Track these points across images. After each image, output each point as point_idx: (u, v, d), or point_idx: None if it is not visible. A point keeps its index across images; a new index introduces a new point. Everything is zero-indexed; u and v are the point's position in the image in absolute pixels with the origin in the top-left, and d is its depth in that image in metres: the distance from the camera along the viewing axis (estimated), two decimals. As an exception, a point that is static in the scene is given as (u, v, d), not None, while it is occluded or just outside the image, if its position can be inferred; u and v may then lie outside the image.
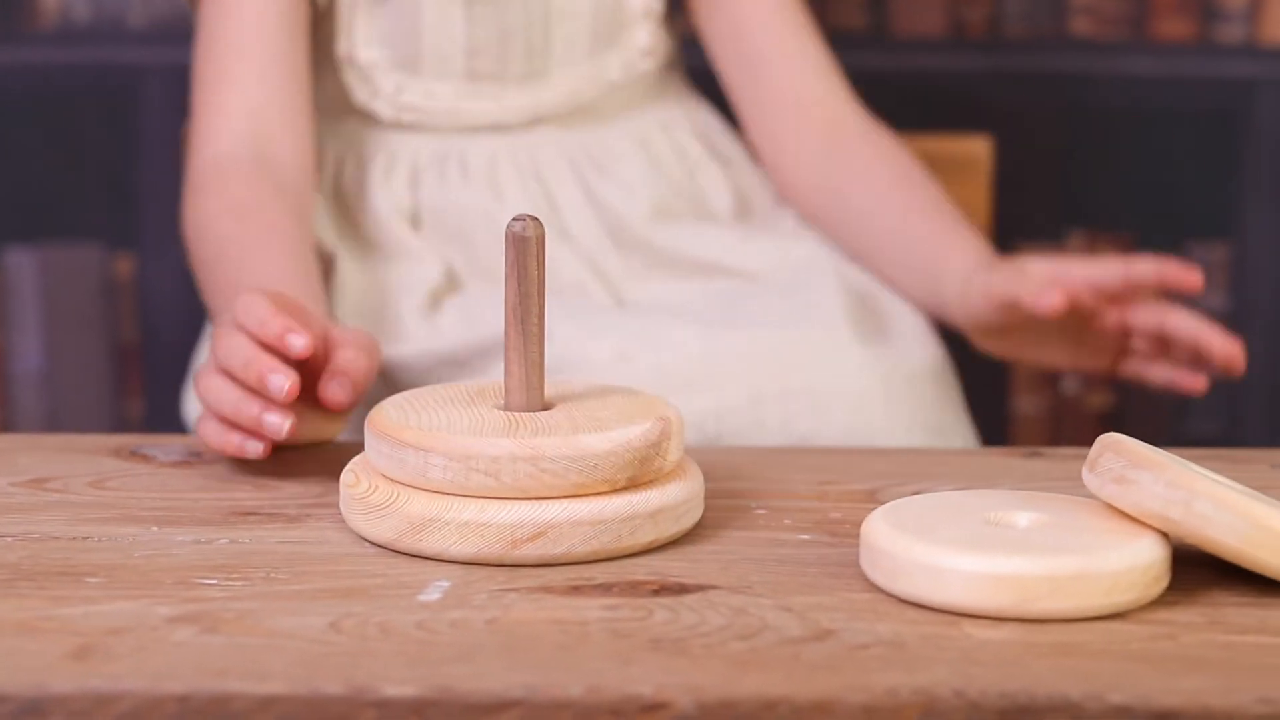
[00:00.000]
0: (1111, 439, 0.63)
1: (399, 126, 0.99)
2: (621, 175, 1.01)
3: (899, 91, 1.16)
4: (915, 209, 1.00)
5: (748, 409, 0.91)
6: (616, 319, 0.95)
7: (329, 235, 0.99)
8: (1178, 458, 0.64)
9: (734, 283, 0.98)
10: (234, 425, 0.72)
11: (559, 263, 0.97)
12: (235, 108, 0.94)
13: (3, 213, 1.49)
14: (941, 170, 1.19)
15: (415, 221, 0.99)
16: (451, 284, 0.98)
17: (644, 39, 1.02)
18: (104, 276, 1.50)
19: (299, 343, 0.71)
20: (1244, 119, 1.48)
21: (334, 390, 0.73)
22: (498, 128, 0.99)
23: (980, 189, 1.19)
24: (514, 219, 0.66)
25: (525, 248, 0.66)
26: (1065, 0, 1.47)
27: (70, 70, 1.47)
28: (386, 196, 0.99)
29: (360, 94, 0.98)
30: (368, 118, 0.99)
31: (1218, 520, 0.59)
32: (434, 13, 0.97)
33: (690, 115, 1.05)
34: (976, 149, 1.20)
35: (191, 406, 1.04)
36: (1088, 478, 0.62)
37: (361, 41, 0.97)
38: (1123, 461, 0.61)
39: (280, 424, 0.70)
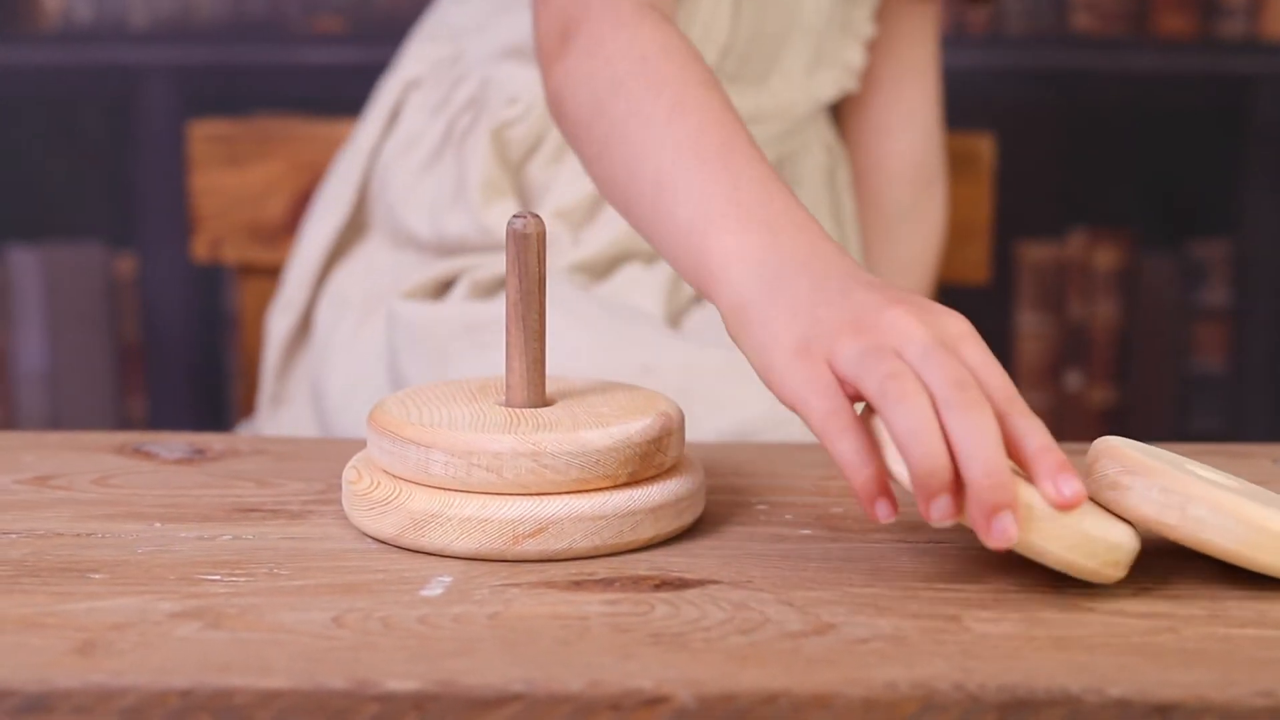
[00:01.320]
0: (1106, 444, 0.63)
1: None
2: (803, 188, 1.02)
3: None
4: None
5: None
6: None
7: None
8: (1176, 457, 0.64)
9: None
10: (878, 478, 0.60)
11: None
12: None
13: (5, 212, 1.49)
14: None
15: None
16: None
17: (857, 60, 1.04)
18: (106, 275, 1.50)
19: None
20: (1245, 115, 1.48)
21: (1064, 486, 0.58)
22: None
23: (982, 186, 1.20)
24: (515, 215, 0.66)
25: (526, 244, 0.66)
26: (1066, -3, 1.47)
27: (73, 70, 1.47)
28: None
29: None
30: None
31: (1214, 524, 0.59)
32: (709, 7, 0.97)
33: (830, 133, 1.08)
34: (978, 146, 1.20)
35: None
36: (1085, 483, 0.62)
37: None
38: (1117, 467, 0.61)
39: (1010, 533, 0.58)
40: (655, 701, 0.52)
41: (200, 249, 1.18)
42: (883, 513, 0.59)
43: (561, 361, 0.84)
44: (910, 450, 0.57)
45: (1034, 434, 0.59)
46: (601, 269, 1.00)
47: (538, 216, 0.66)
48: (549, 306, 0.88)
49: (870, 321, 0.61)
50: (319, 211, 1.07)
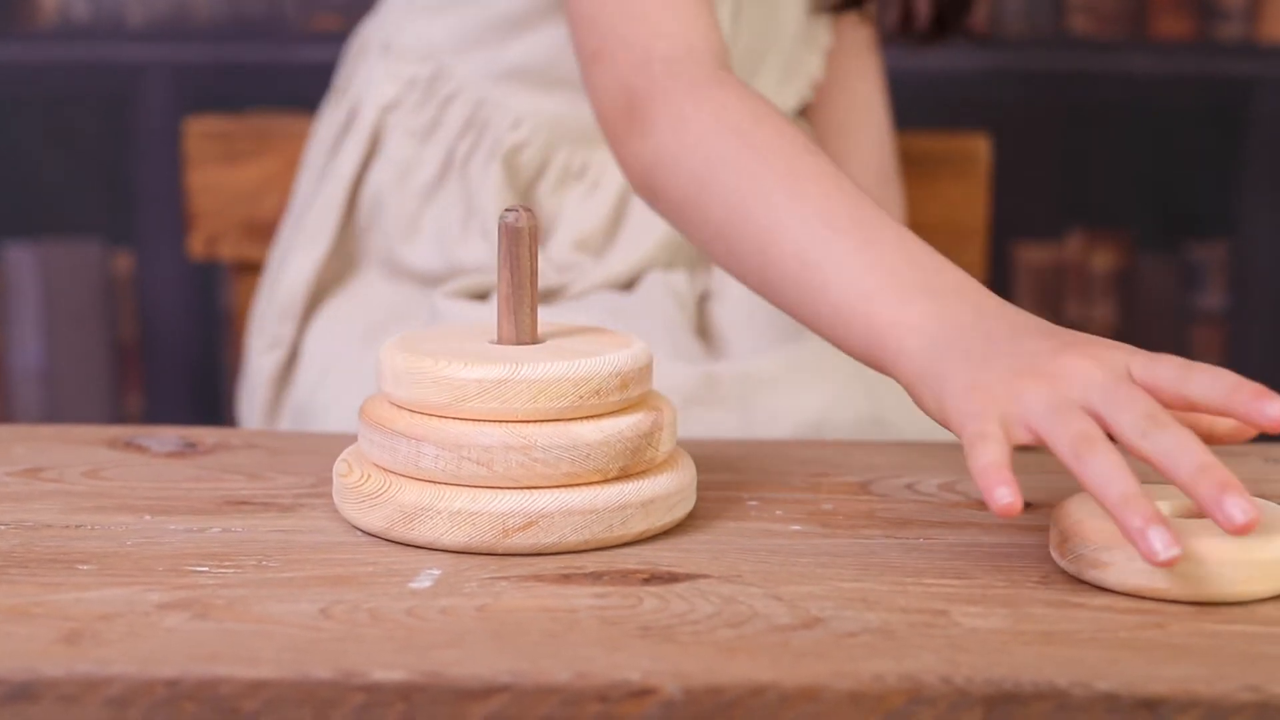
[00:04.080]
0: (1066, 522, 0.62)
1: None
2: None
3: (898, 90, 1.16)
4: None
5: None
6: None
7: None
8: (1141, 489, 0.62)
9: None
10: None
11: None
12: (685, 10, 0.79)
13: (2, 209, 1.49)
14: (940, 168, 1.19)
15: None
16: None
17: (818, 70, 1.04)
18: (103, 273, 1.50)
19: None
20: (1243, 117, 1.48)
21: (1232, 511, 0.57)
22: None
23: (979, 187, 1.20)
24: (506, 209, 0.66)
25: (518, 238, 0.66)
26: (1064, -2, 1.47)
27: (69, 68, 1.47)
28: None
29: None
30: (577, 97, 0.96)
31: (1208, 575, 0.59)
32: None
33: None
34: (975, 147, 1.20)
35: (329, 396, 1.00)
36: (1060, 561, 0.62)
37: None
38: (1091, 545, 0.61)
39: (1250, 511, 0.57)
40: (642, 693, 0.52)
41: (197, 246, 1.18)
42: (1002, 495, 0.58)
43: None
44: (1108, 496, 0.58)
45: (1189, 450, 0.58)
46: (624, 283, 1.00)
47: (530, 211, 0.66)
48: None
49: (1048, 369, 0.62)
50: (298, 242, 1.03)
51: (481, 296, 0.98)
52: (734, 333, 0.98)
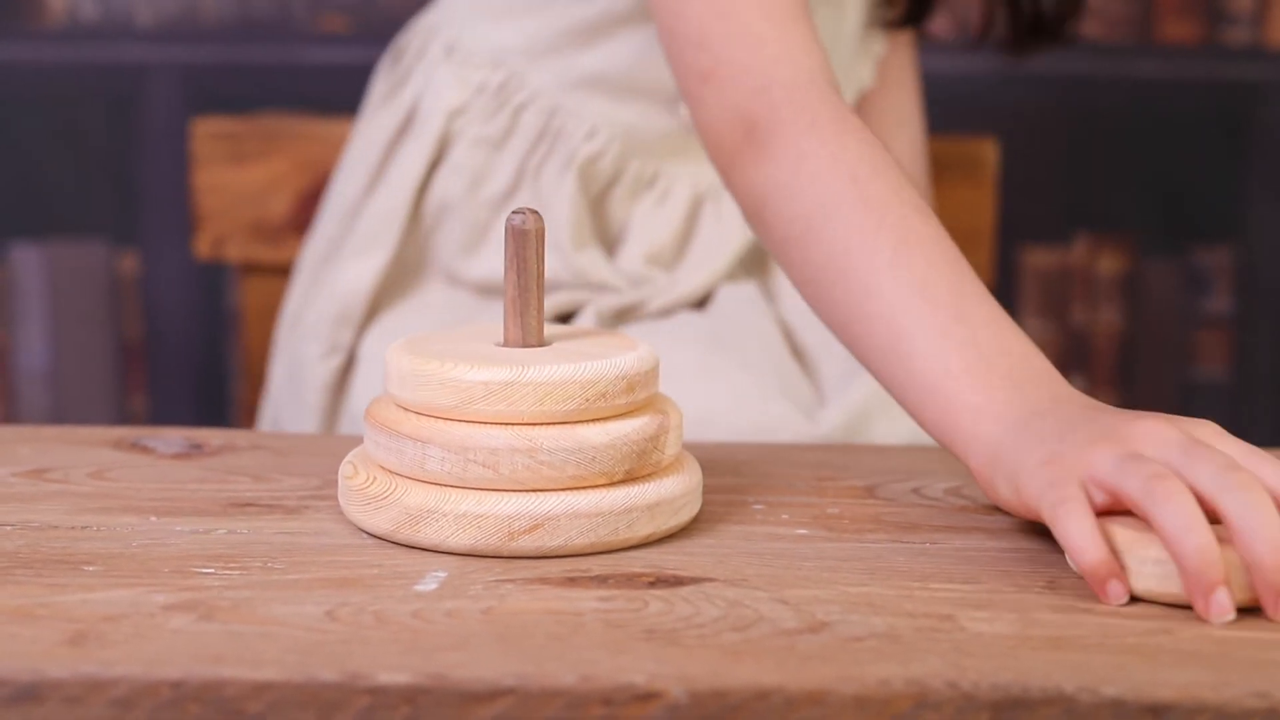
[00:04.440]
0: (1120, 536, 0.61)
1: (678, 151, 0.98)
2: None
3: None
4: None
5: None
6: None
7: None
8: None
9: None
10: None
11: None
12: (799, 36, 0.78)
13: (9, 209, 1.50)
14: (947, 172, 1.19)
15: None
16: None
17: (869, 79, 1.03)
18: (109, 273, 1.50)
19: None
20: (1249, 122, 1.48)
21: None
22: None
23: (986, 191, 1.19)
24: (514, 211, 0.66)
25: (524, 240, 0.66)
26: (1071, 2, 1.47)
27: (77, 68, 1.47)
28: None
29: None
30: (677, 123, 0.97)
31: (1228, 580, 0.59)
32: None
33: None
34: (982, 151, 1.20)
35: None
36: (1073, 565, 0.61)
37: None
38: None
39: (1228, 614, 0.58)
40: (647, 697, 0.52)
41: (203, 247, 1.18)
42: (1115, 593, 0.59)
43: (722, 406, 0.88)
44: (1183, 546, 0.57)
45: None
46: (699, 299, 1.00)
47: (536, 213, 0.66)
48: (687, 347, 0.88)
49: (1122, 434, 0.61)
50: (353, 245, 1.01)
51: (565, 318, 0.97)
52: (817, 345, 0.97)
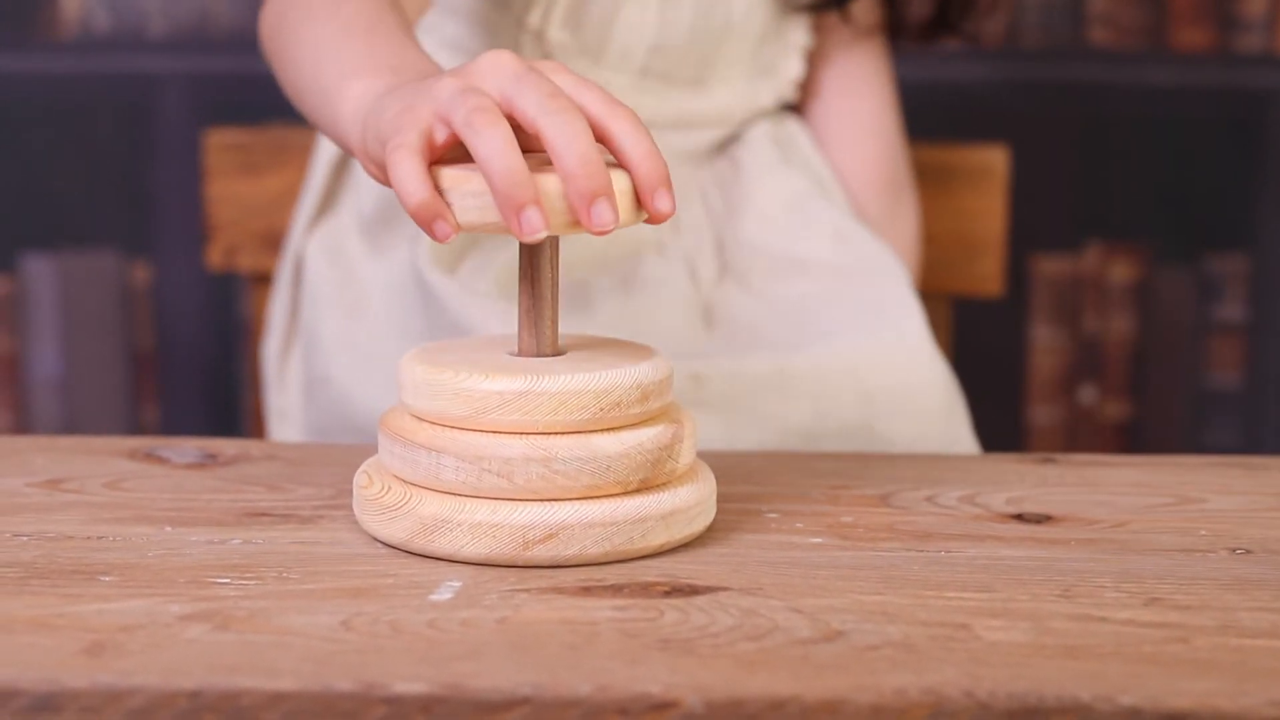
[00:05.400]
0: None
1: None
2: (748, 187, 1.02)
3: (916, 101, 1.16)
4: None
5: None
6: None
7: None
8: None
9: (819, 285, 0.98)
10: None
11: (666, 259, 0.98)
12: None
13: (21, 220, 1.50)
14: (958, 180, 1.19)
15: None
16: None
17: (796, 70, 1.05)
18: (121, 283, 1.51)
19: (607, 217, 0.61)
20: (1262, 129, 1.48)
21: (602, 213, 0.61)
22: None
23: (997, 199, 1.19)
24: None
25: (538, 250, 0.66)
26: (1083, 9, 1.47)
27: (89, 79, 1.48)
28: None
29: None
30: None
31: (556, 209, 0.61)
32: (633, 7, 0.98)
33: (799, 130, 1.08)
34: (993, 158, 1.20)
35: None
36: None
37: (558, 22, 0.97)
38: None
39: (607, 219, 0.61)
40: (663, 706, 0.52)
41: (215, 257, 1.18)
42: (441, 231, 0.61)
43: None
44: (491, 169, 0.60)
45: (635, 140, 0.62)
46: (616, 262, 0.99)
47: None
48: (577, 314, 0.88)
49: (468, 69, 0.64)
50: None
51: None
52: (746, 317, 0.98)
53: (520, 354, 0.67)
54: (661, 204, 0.62)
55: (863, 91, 1.07)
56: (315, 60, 0.75)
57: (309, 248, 1.03)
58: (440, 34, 1.01)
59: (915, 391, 0.93)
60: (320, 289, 1.01)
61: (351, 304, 1.00)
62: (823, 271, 0.99)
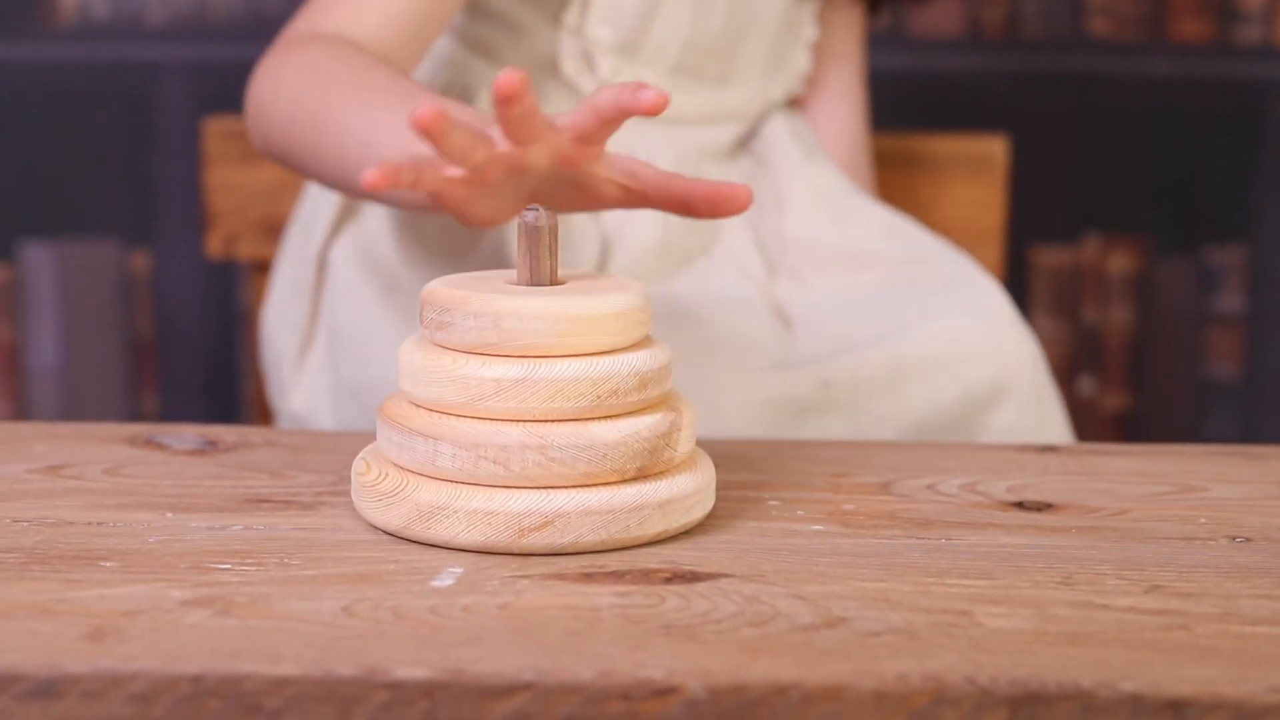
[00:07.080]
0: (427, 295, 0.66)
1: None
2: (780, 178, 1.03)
3: (916, 91, 1.16)
4: None
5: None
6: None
7: None
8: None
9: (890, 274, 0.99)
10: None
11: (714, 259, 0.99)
12: (342, 19, 0.89)
13: (21, 208, 1.50)
14: (957, 170, 1.19)
15: None
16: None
17: (805, 64, 1.06)
18: (121, 272, 1.51)
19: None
20: (1261, 120, 1.48)
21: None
22: (669, 121, 1.00)
23: (997, 189, 1.19)
24: (527, 209, 0.66)
25: (538, 238, 0.66)
26: (1083, 1, 1.47)
27: (88, 67, 1.47)
28: None
29: (569, 67, 0.98)
30: (561, 89, 0.98)
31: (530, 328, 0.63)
32: (672, 3, 0.98)
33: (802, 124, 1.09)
34: (993, 149, 1.20)
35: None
36: (424, 330, 0.66)
37: (596, 18, 0.97)
38: (437, 308, 0.64)
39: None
40: (666, 692, 0.52)
41: (214, 245, 1.18)
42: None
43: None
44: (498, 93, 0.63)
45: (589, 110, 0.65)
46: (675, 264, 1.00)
47: (550, 211, 0.66)
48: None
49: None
50: None
51: None
52: (818, 315, 0.98)
53: (517, 283, 0.66)
54: (644, 92, 0.63)
55: (831, 61, 1.09)
56: (339, 127, 0.80)
57: (334, 253, 1.02)
58: (471, 38, 1.00)
59: (1011, 375, 0.94)
60: (357, 295, 1.00)
61: (399, 308, 0.99)
62: (883, 261, 0.99)
